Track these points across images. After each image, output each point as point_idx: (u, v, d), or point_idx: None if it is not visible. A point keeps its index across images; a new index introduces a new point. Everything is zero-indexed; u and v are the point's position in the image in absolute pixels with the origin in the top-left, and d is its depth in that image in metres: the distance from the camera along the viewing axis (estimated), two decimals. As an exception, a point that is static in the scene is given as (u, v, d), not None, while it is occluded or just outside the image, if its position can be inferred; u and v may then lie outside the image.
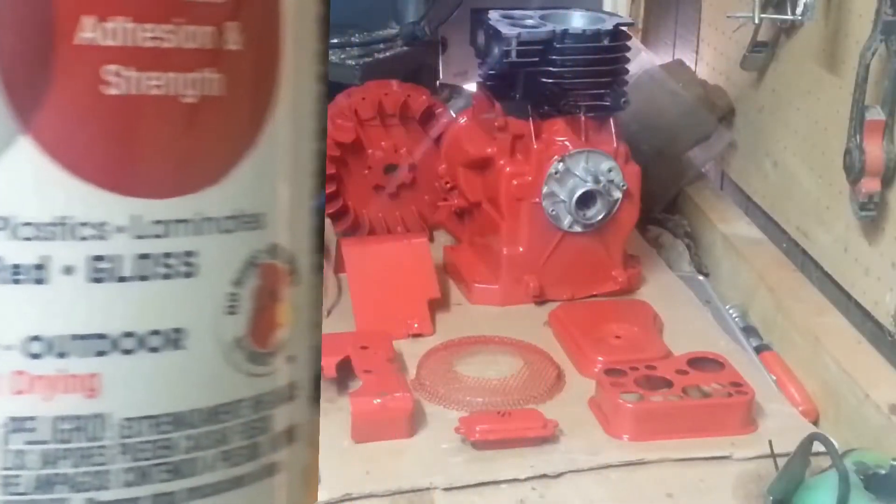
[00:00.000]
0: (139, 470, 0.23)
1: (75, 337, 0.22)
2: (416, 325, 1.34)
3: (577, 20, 1.43)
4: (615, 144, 1.39)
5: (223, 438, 0.24)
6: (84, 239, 0.22)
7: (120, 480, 0.22)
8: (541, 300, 1.42)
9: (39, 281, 0.22)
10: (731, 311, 1.52)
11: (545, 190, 1.38)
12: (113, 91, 0.22)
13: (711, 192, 1.79)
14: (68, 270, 0.22)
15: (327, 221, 1.57)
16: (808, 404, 1.30)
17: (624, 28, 1.39)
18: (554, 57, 1.35)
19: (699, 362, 1.20)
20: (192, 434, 0.23)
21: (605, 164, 1.38)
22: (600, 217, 1.39)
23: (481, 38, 1.42)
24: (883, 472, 0.99)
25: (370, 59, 1.74)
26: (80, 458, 0.22)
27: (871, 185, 1.23)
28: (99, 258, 0.22)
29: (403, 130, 1.55)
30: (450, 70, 2.07)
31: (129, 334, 0.22)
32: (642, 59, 1.76)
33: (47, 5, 0.21)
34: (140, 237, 0.22)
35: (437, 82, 1.92)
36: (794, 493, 0.98)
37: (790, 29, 1.51)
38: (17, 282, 0.22)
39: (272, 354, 0.24)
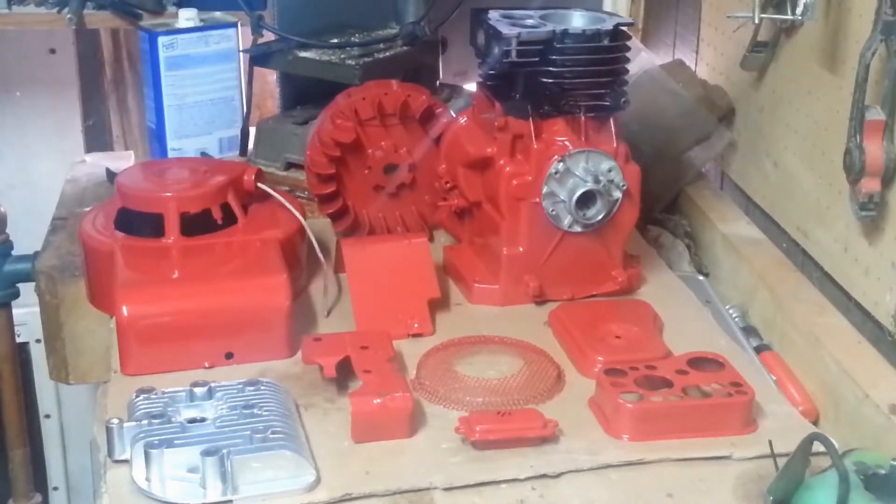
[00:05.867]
0: None
1: None
2: (416, 325, 1.34)
3: (577, 20, 1.43)
4: (615, 144, 1.39)
5: None
6: None
7: None
8: (541, 300, 1.42)
9: None
10: (731, 311, 1.52)
11: (545, 190, 1.38)
12: None
13: (711, 192, 1.79)
14: None
15: (327, 221, 1.57)
16: (808, 404, 1.30)
17: (624, 28, 1.38)
18: (554, 57, 1.35)
19: (699, 362, 1.20)
20: None
21: (605, 164, 1.38)
22: (600, 217, 1.39)
23: (481, 38, 1.42)
24: (883, 472, 0.99)
25: (370, 59, 1.74)
26: None
27: (871, 185, 1.23)
28: None
29: (403, 130, 1.55)
30: (450, 70, 2.07)
31: None
32: (642, 59, 1.76)
33: None
34: None
35: (437, 82, 1.92)
36: (794, 493, 0.98)
37: (790, 29, 1.51)
38: None
39: None
